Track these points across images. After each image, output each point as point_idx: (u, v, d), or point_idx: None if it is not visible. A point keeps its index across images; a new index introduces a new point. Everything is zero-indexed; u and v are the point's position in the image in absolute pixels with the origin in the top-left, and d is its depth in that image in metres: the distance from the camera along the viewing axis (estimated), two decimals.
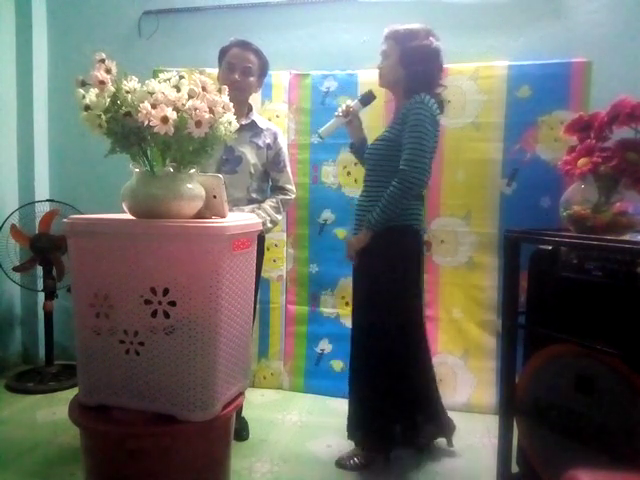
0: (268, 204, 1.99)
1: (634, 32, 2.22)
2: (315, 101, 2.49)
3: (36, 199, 2.72)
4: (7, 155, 2.74)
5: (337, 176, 2.47)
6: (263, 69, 1.98)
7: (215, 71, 2.05)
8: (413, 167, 1.65)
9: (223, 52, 1.95)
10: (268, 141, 2.00)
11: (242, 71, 1.91)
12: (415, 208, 1.78)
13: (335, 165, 2.47)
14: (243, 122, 1.92)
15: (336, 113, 1.90)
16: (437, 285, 2.39)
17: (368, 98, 1.90)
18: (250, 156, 1.94)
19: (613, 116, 1.45)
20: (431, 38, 1.75)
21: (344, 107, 1.88)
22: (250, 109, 2.01)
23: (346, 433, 1.86)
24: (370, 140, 1.92)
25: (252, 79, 1.94)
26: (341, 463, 1.82)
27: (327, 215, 2.49)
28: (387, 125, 1.84)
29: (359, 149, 1.96)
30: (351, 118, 1.90)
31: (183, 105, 1.16)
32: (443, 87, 1.81)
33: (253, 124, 1.99)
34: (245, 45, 1.93)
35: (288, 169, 2.09)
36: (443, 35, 2.37)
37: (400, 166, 1.67)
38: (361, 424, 1.82)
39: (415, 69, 1.72)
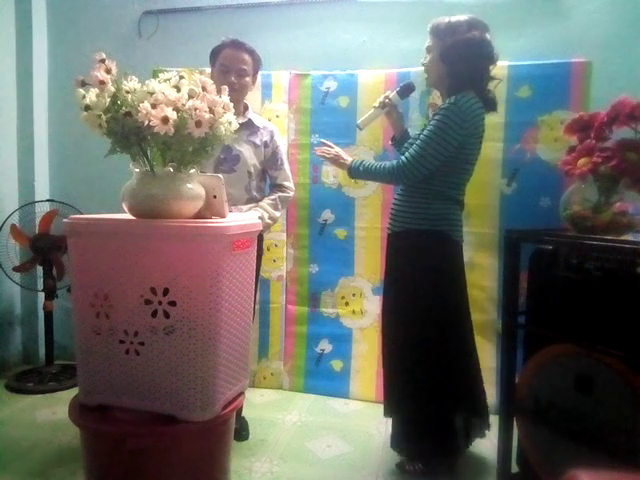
0: (266, 201, 1.99)
1: (634, 32, 2.22)
2: (315, 101, 2.48)
3: (36, 199, 2.72)
4: (7, 155, 2.74)
5: (337, 176, 2.47)
6: (257, 67, 1.98)
7: None
8: (415, 161, 1.62)
9: (215, 53, 1.93)
10: (265, 139, 2.00)
11: (237, 73, 1.89)
12: (453, 214, 1.73)
13: None
14: (240, 121, 1.90)
15: (374, 104, 1.87)
16: None
17: (407, 89, 1.87)
18: (248, 155, 1.94)
19: (613, 116, 1.45)
20: (474, 31, 1.61)
21: (382, 98, 1.85)
22: (246, 108, 2.01)
23: (396, 448, 1.81)
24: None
25: (247, 79, 1.93)
26: (402, 467, 1.79)
27: (327, 215, 2.49)
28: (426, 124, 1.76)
29: (400, 142, 1.92)
30: (389, 109, 1.87)
31: (183, 105, 1.16)
32: (497, 80, 1.72)
33: (250, 123, 1.98)
34: (238, 46, 1.91)
35: (286, 167, 2.08)
36: None
37: (405, 156, 1.64)
38: (422, 440, 1.73)
39: (456, 65, 1.63)
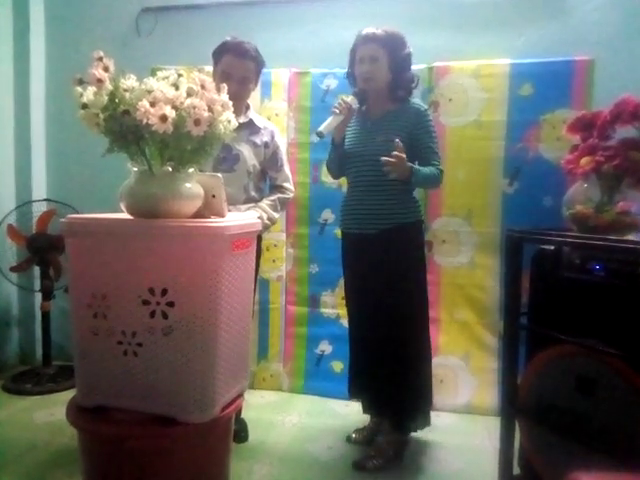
0: (265, 202, 1.98)
1: (637, 30, 2.22)
2: (315, 99, 2.47)
3: (33, 198, 2.71)
4: (4, 154, 2.73)
5: None
6: (260, 69, 1.95)
7: None
8: (442, 170, 1.83)
9: (218, 54, 1.89)
10: (266, 139, 1.99)
11: (239, 81, 1.86)
12: (419, 202, 1.91)
13: None
14: (241, 120, 1.90)
15: (336, 110, 1.83)
16: (438, 285, 2.38)
17: (362, 95, 1.86)
18: (247, 154, 1.93)
19: (616, 115, 1.44)
20: (409, 45, 1.81)
21: (342, 103, 1.82)
22: (248, 108, 1.99)
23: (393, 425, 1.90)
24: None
25: (250, 86, 1.92)
26: (360, 465, 1.81)
27: (327, 215, 2.48)
28: (386, 127, 1.81)
29: (340, 144, 1.91)
30: (348, 113, 1.85)
31: (182, 103, 1.15)
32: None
33: (251, 122, 1.97)
34: (242, 54, 1.85)
35: (286, 168, 2.07)
36: (445, 33, 2.39)
37: (438, 166, 1.80)
38: (412, 412, 1.86)
39: (403, 76, 1.80)
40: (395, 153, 1.67)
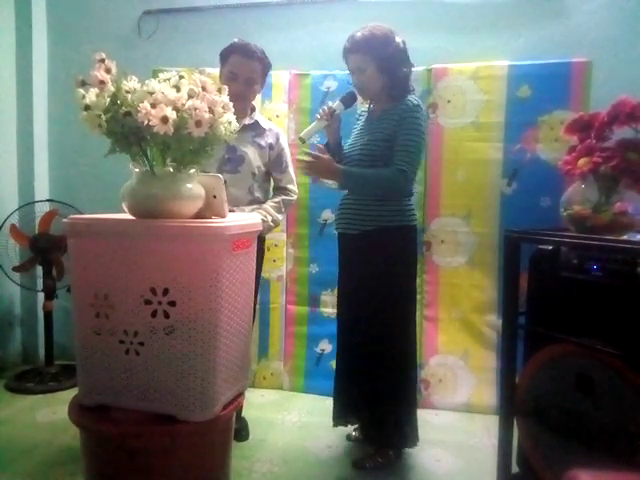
0: (269, 204, 1.99)
1: (634, 32, 2.22)
2: (315, 101, 2.48)
3: (36, 199, 2.72)
4: (7, 155, 2.74)
5: None
6: (266, 72, 1.97)
7: (215, 71, 2.04)
8: (411, 171, 1.71)
9: (225, 55, 1.91)
10: (270, 141, 2.00)
11: (245, 81, 1.88)
12: (413, 208, 1.83)
13: None
14: (246, 122, 1.92)
15: (318, 116, 1.84)
16: (437, 285, 2.39)
17: (350, 99, 1.86)
18: (252, 156, 1.94)
19: (613, 116, 1.44)
20: (397, 38, 1.73)
21: (326, 109, 1.83)
22: (253, 109, 2.01)
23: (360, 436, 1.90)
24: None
25: (256, 87, 1.93)
26: (360, 463, 1.81)
27: (327, 215, 2.49)
28: (375, 127, 1.79)
29: (336, 149, 1.91)
30: (334, 120, 1.85)
31: (183, 105, 1.16)
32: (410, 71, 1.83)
33: (256, 124, 1.98)
34: (249, 55, 1.87)
35: (290, 170, 2.08)
36: (443, 35, 2.40)
37: (399, 165, 1.69)
38: (385, 425, 1.80)
39: (396, 73, 1.74)
40: (314, 153, 1.68)
